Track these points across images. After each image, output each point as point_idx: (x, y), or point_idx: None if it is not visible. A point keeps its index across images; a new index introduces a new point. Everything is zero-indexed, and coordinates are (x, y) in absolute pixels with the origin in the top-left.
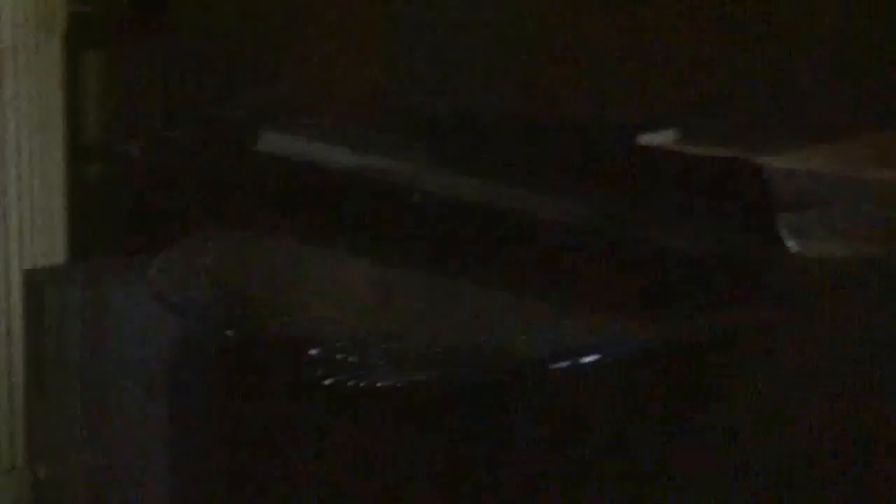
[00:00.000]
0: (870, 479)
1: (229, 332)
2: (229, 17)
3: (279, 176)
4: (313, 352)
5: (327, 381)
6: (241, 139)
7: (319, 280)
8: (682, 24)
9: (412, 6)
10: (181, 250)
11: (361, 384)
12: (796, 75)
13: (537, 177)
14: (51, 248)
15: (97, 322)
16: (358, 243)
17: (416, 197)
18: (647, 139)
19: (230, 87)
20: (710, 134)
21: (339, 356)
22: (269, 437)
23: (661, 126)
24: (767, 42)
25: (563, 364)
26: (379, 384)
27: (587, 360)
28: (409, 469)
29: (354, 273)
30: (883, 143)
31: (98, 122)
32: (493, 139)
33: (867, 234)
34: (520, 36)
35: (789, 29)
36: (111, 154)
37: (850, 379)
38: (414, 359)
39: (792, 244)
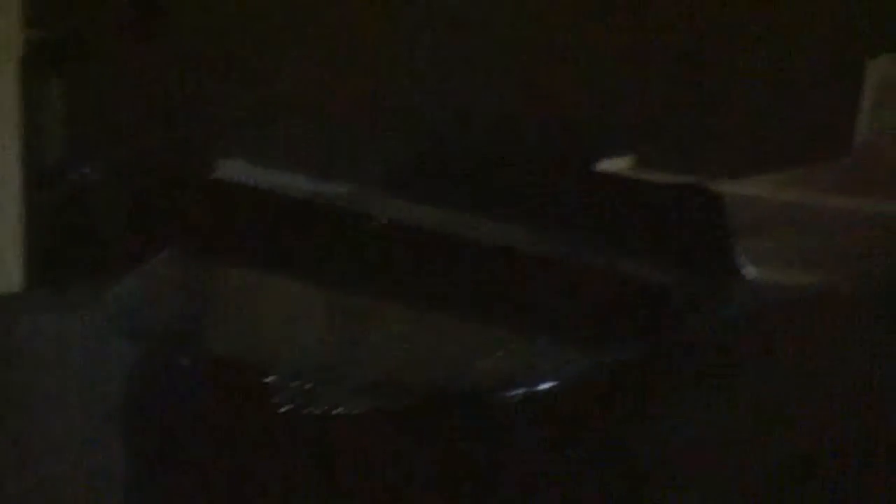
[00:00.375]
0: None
1: (185, 360)
2: (191, 43)
3: (237, 203)
4: (270, 379)
5: (283, 409)
6: (198, 166)
7: (276, 307)
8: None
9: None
10: (139, 277)
11: (318, 411)
12: (752, 102)
13: (495, 205)
14: (6, 275)
15: (54, 349)
16: (314, 271)
17: (373, 224)
18: (605, 166)
19: (189, 113)
20: (667, 160)
21: (294, 383)
22: (226, 463)
23: (617, 153)
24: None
25: (519, 390)
26: (335, 412)
27: (542, 386)
28: (367, 495)
29: (311, 300)
30: (836, 170)
31: (55, 147)
32: (450, 168)
33: (821, 261)
34: (479, 69)
35: (746, 58)
36: (68, 180)
37: (807, 400)
38: (370, 386)
39: (748, 270)
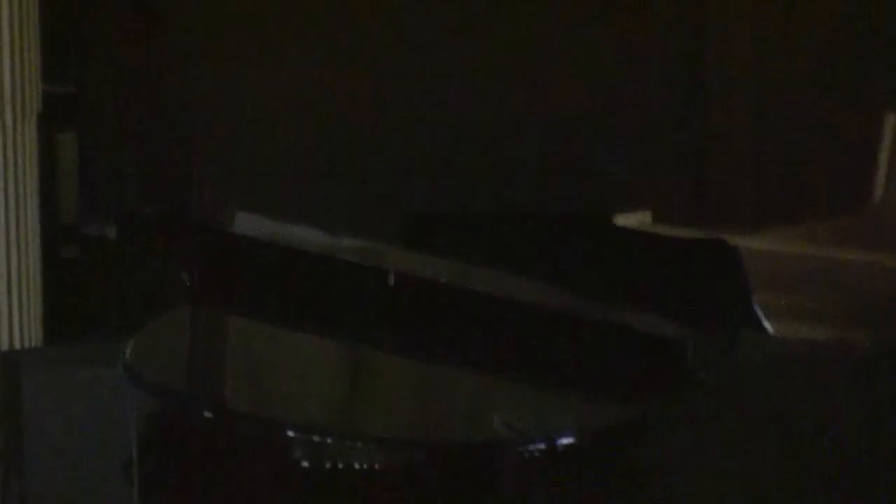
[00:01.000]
0: None
1: (206, 413)
2: (206, 98)
3: (254, 257)
4: (290, 433)
5: (305, 464)
6: (215, 220)
7: (292, 361)
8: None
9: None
10: (157, 331)
11: (339, 466)
12: (769, 156)
13: (510, 258)
14: (27, 329)
15: (72, 403)
16: (333, 325)
17: (390, 280)
18: (621, 220)
19: (206, 167)
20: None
21: (316, 438)
22: None
23: (633, 207)
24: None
25: (540, 445)
26: (356, 466)
27: (560, 442)
28: None
29: (326, 354)
30: (854, 225)
31: (72, 202)
32: (465, 222)
33: (838, 316)
34: (497, 123)
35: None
36: (87, 235)
37: (826, 453)
38: (386, 441)
39: (765, 325)
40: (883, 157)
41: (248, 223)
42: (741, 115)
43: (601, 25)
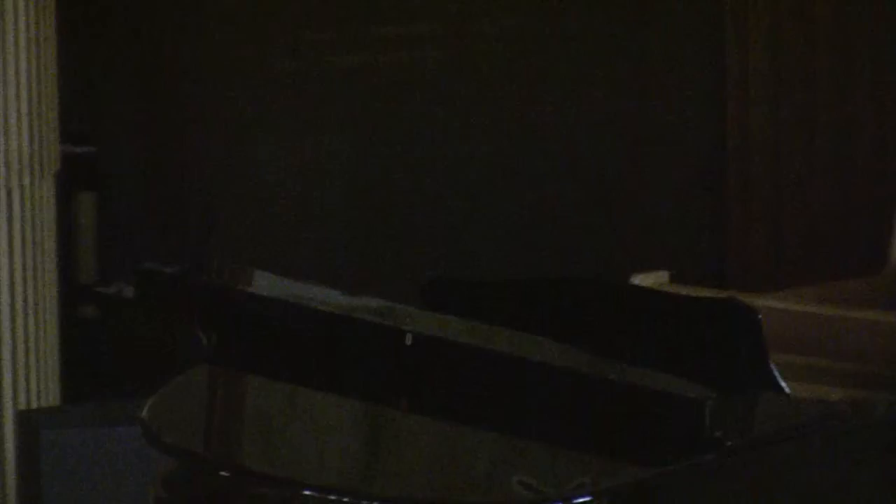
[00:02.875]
0: None
1: (223, 473)
2: (224, 159)
3: (271, 317)
4: (307, 492)
5: None
6: (232, 280)
7: (311, 421)
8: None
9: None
10: (174, 391)
11: None
12: (786, 217)
13: (527, 319)
14: (45, 388)
15: (90, 462)
16: (349, 385)
17: (407, 340)
18: (639, 280)
19: (224, 227)
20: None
21: (332, 498)
22: None
23: (651, 267)
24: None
25: None
26: None
27: (579, 501)
28: None
29: (342, 414)
30: (871, 285)
31: (89, 262)
32: (482, 283)
33: (856, 377)
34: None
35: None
36: (105, 294)
37: None
38: (403, 501)
39: (783, 385)
40: None
41: (266, 283)
42: (760, 177)
43: (619, 85)
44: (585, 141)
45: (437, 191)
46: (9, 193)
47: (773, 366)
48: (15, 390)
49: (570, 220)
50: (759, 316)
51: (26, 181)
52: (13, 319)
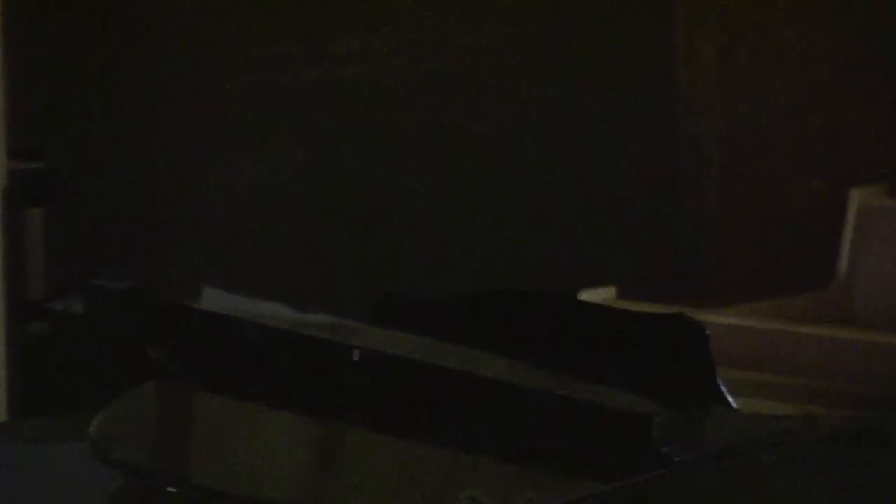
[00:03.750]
0: None
1: (173, 488)
2: (174, 175)
3: (221, 333)
4: None
5: None
6: (183, 296)
7: (259, 438)
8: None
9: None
10: (124, 407)
11: None
12: (733, 232)
13: (476, 335)
14: None
15: (38, 480)
16: (297, 401)
17: (354, 356)
18: (586, 296)
19: (174, 243)
20: (649, 290)
21: None
22: None
23: (598, 283)
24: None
25: None
26: None
27: None
28: None
29: (294, 431)
30: (818, 301)
31: (38, 279)
32: (432, 299)
33: (802, 392)
34: (461, 202)
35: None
36: (54, 311)
37: None
38: None
39: (730, 401)
40: (848, 233)
41: (215, 299)
42: (711, 193)
43: (570, 99)
44: (535, 157)
45: (391, 206)
46: None
47: (721, 381)
48: None
49: (520, 236)
50: (707, 331)
51: None
52: None
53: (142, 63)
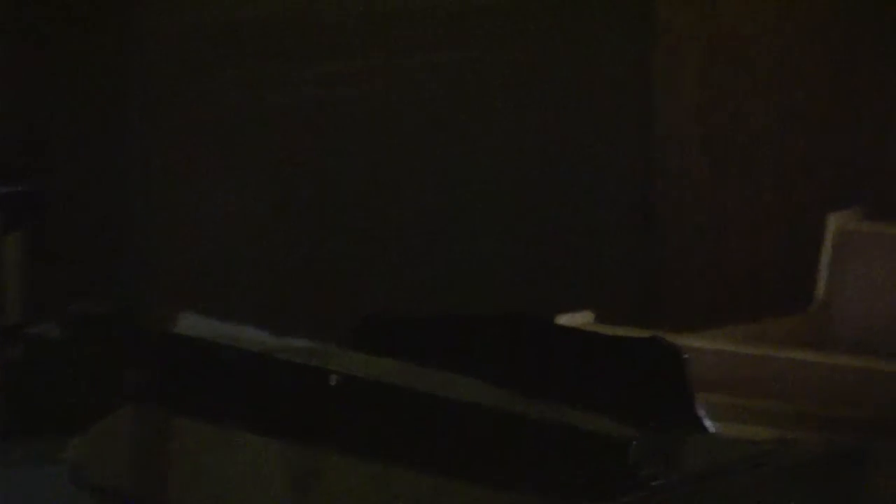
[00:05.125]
0: None
1: None
2: (153, 201)
3: (198, 357)
4: None
5: None
6: (161, 321)
7: (236, 462)
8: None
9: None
10: (102, 432)
11: None
12: (710, 256)
13: (454, 359)
14: None
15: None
16: (274, 426)
17: (331, 380)
18: (563, 320)
19: (152, 268)
20: (626, 314)
21: None
22: None
23: (575, 307)
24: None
25: None
26: None
27: None
28: None
29: (270, 455)
30: (795, 325)
31: (15, 303)
32: (409, 323)
33: (780, 416)
34: (439, 231)
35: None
36: (32, 335)
37: None
38: None
39: (708, 425)
40: (825, 258)
41: (193, 324)
42: (688, 217)
43: (545, 123)
44: (511, 180)
45: (362, 230)
46: None
47: (698, 405)
48: None
49: (496, 260)
50: (684, 355)
51: None
52: None
53: (120, 88)
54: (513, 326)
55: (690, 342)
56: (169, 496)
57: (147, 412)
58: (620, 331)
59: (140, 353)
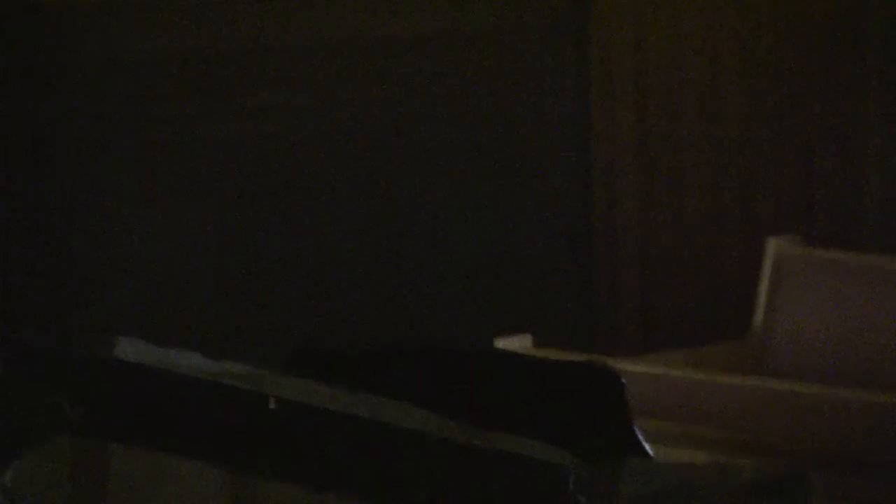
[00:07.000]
0: None
1: None
2: (88, 225)
3: (136, 383)
4: None
5: None
6: (97, 347)
7: (174, 488)
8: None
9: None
10: (36, 461)
11: None
12: (649, 281)
13: (390, 384)
14: None
15: None
16: (215, 451)
17: (271, 404)
18: (501, 344)
19: (87, 294)
20: (564, 338)
21: None
22: None
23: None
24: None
25: None
26: None
27: None
28: None
29: (208, 481)
30: (734, 350)
31: None
32: (344, 349)
33: (719, 441)
34: (375, 257)
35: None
36: None
37: None
38: None
39: (647, 450)
40: (764, 282)
41: (130, 349)
42: (627, 241)
43: (484, 151)
44: (450, 208)
45: (305, 259)
46: None
47: (637, 429)
48: None
49: (434, 286)
50: (622, 378)
51: None
52: None
53: (55, 119)
54: (449, 351)
55: (629, 366)
56: None
57: (84, 439)
58: (559, 354)
59: (75, 379)
